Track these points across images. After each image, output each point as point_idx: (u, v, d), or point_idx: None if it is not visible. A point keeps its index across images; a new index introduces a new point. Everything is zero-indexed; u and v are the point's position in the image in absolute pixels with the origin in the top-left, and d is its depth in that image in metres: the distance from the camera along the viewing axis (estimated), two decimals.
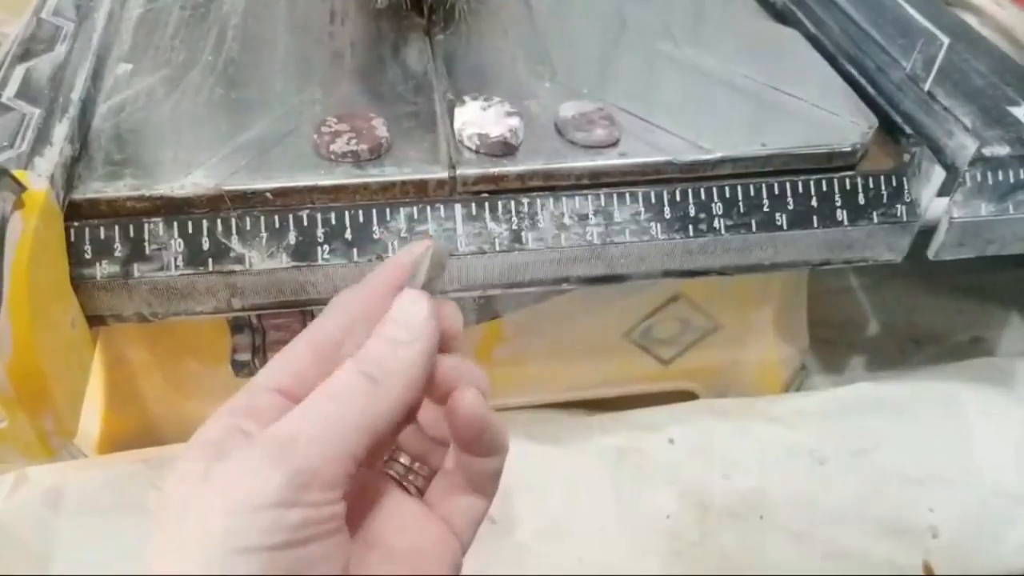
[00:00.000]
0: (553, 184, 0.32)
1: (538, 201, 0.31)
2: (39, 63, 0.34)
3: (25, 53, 0.34)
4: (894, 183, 0.32)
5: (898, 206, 0.32)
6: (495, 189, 0.32)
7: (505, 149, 0.32)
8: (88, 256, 0.29)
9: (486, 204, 0.31)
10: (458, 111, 0.33)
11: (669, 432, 0.35)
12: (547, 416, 0.37)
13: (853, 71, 0.38)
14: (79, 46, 0.35)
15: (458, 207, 0.31)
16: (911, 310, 0.44)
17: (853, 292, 0.46)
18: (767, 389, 0.39)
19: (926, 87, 0.35)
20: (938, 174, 0.33)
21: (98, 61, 0.36)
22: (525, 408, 0.38)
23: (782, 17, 0.42)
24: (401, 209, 0.31)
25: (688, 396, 0.39)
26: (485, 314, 0.37)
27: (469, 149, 0.32)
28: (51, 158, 0.29)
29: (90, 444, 0.39)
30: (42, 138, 0.30)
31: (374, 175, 0.31)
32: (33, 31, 0.36)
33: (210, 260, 0.30)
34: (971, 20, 0.44)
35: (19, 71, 0.33)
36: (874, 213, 0.32)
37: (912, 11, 0.40)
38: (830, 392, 0.36)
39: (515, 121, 0.32)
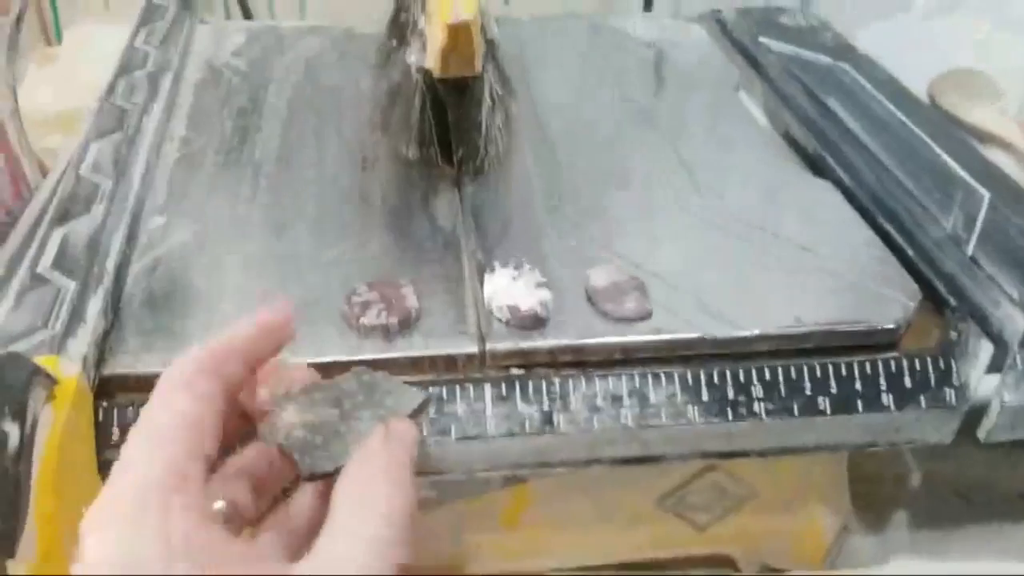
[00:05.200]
0: (584, 359, 0.31)
1: (570, 382, 0.30)
2: (76, 226, 0.34)
3: (63, 215, 0.35)
4: (942, 365, 0.31)
5: (946, 390, 0.31)
6: (525, 363, 0.31)
7: (535, 323, 0.31)
8: (115, 439, 0.29)
9: (516, 384, 0.30)
10: (488, 279, 0.33)
11: None
12: None
13: (890, 228, 0.37)
14: (116, 208, 0.36)
15: (488, 387, 0.30)
16: (957, 460, 0.42)
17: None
18: (808, 555, 0.37)
19: (969, 250, 0.34)
20: (986, 349, 0.32)
21: (133, 219, 0.36)
22: (553, 573, 0.37)
23: (814, 163, 0.42)
24: (430, 389, 0.30)
25: (724, 558, 0.38)
26: (512, 478, 0.36)
27: (499, 320, 0.32)
28: (84, 338, 0.29)
29: None
30: (76, 315, 0.30)
31: (404, 349, 0.31)
32: (72, 189, 0.36)
33: None
34: (1004, 160, 0.43)
35: (56, 236, 0.34)
36: (921, 397, 0.30)
37: (949, 159, 0.39)
38: (873, 571, 0.34)
39: (545, 293, 0.32)
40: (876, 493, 0.41)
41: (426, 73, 0.34)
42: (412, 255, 0.35)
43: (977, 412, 0.32)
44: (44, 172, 0.49)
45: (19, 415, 0.25)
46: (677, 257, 0.34)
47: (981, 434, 0.31)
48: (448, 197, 0.39)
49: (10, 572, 0.25)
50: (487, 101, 0.35)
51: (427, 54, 0.33)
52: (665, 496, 0.36)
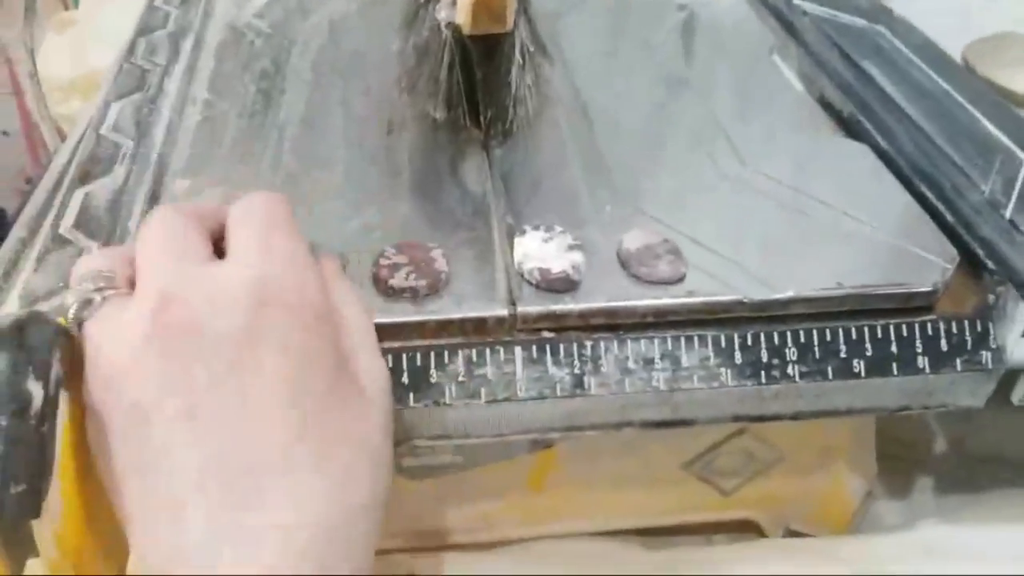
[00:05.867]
0: (617, 322, 0.31)
1: (602, 344, 0.30)
2: (97, 188, 0.34)
3: (85, 176, 0.35)
4: (979, 328, 0.30)
5: (983, 353, 0.30)
6: (556, 326, 0.31)
7: (567, 285, 0.31)
8: None
9: (547, 347, 0.30)
10: (518, 241, 0.32)
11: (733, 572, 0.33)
12: (598, 548, 0.36)
13: (928, 192, 0.36)
14: (138, 167, 0.35)
15: (518, 350, 0.30)
16: (982, 424, 0.42)
17: None
18: (834, 520, 0.37)
19: (1007, 214, 0.34)
20: (1023, 312, 0.31)
21: (155, 180, 0.36)
22: (575, 536, 0.37)
23: (849, 127, 0.41)
24: (460, 351, 0.30)
25: (748, 523, 0.38)
26: (539, 443, 0.36)
27: (529, 283, 0.31)
28: None
29: None
30: None
31: (433, 312, 0.30)
32: (92, 150, 0.36)
33: None
34: None
35: (77, 197, 0.33)
36: (958, 360, 0.30)
37: (987, 123, 0.38)
38: (901, 535, 0.34)
39: (577, 256, 0.32)
40: (903, 457, 0.40)
41: (455, 29, 0.33)
42: (441, 219, 0.35)
43: (1012, 376, 0.31)
44: (62, 138, 0.48)
45: (43, 376, 0.25)
46: (713, 220, 0.34)
47: (1015, 398, 0.31)
48: (477, 160, 0.38)
49: (36, 532, 0.25)
50: (517, 59, 0.34)
51: (457, 9, 0.32)
52: (692, 460, 0.35)
